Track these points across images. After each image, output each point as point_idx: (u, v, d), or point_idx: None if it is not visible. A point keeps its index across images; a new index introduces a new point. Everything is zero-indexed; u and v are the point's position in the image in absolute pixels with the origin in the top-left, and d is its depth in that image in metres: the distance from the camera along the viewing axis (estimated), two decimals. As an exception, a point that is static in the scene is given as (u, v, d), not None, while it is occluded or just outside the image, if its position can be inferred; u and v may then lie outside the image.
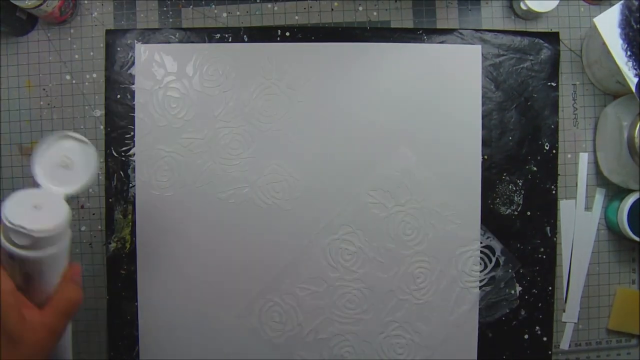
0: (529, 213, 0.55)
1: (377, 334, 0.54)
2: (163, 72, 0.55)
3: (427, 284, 0.54)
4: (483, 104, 0.55)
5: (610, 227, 0.56)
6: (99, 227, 0.56)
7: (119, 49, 0.55)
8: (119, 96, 0.55)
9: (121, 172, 0.55)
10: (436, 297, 0.54)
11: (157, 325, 0.55)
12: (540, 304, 0.55)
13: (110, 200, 0.55)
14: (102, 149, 0.55)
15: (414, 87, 0.55)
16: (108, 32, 0.55)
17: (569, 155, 0.56)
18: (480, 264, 0.55)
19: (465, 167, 0.55)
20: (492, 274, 0.55)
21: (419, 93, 0.55)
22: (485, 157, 0.55)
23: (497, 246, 0.55)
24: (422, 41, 0.55)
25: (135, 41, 0.55)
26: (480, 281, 0.55)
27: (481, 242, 0.55)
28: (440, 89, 0.55)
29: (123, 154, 0.55)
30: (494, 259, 0.55)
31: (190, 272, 0.55)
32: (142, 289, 0.55)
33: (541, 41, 0.55)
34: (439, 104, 0.55)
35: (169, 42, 0.55)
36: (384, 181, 0.55)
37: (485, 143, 0.55)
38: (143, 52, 0.55)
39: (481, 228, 0.55)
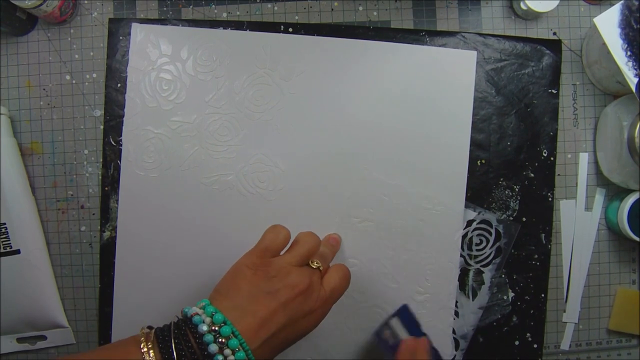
0: (524, 219, 0.55)
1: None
2: (157, 53, 0.55)
3: (439, 279, 0.54)
4: (483, 108, 0.55)
5: (610, 227, 0.56)
6: (99, 227, 0.56)
7: (120, 37, 0.55)
8: (119, 85, 0.55)
9: (118, 161, 0.55)
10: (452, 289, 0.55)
11: (132, 308, 0.55)
12: (532, 311, 0.55)
13: (106, 188, 0.55)
14: (100, 138, 0.56)
15: (409, 88, 0.55)
16: (111, 20, 0.56)
17: (569, 156, 0.56)
18: (481, 241, 0.55)
19: (452, 166, 0.55)
20: (497, 244, 0.55)
21: (412, 94, 0.55)
22: (483, 161, 0.55)
23: (492, 217, 0.55)
24: (424, 43, 0.55)
25: (132, 21, 0.55)
26: (488, 256, 0.55)
27: (475, 219, 0.55)
28: (434, 91, 0.55)
29: (120, 142, 0.55)
30: (493, 231, 0.55)
31: (168, 253, 0.55)
32: (120, 263, 0.55)
33: (543, 48, 0.55)
34: (432, 106, 0.55)
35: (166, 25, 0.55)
36: (368, 188, 0.54)
37: (483, 147, 0.55)
38: (139, 32, 0.55)
39: (470, 206, 0.54)
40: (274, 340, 0.38)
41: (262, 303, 0.38)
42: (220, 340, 0.35)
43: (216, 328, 0.36)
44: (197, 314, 0.37)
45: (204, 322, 0.36)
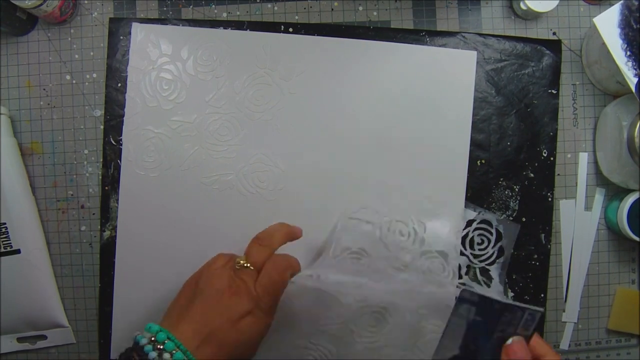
0: (524, 219, 0.55)
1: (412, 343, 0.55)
2: (158, 53, 0.55)
3: (448, 275, 0.54)
4: (483, 108, 0.55)
5: (610, 227, 0.56)
6: (99, 227, 0.56)
7: (121, 37, 0.55)
8: (119, 84, 0.55)
9: (118, 161, 0.55)
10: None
11: (132, 307, 0.55)
12: (531, 311, 0.55)
13: (106, 188, 0.55)
14: (100, 138, 0.56)
15: (409, 88, 0.55)
16: (111, 20, 0.56)
17: (569, 155, 0.56)
18: (482, 241, 0.55)
19: (452, 166, 0.55)
20: (499, 244, 0.55)
21: (412, 94, 0.55)
22: (483, 161, 0.55)
23: (492, 217, 0.55)
24: (424, 43, 0.55)
25: (132, 21, 0.55)
26: (491, 255, 0.54)
27: (475, 219, 0.55)
28: (434, 91, 0.55)
29: (121, 142, 0.55)
30: (493, 231, 0.55)
31: (168, 253, 0.55)
32: (120, 263, 0.55)
33: (543, 48, 0.55)
34: (432, 106, 0.55)
35: (166, 24, 0.55)
36: (368, 188, 0.54)
37: (483, 147, 0.55)
38: (139, 31, 0.55)
39: (470, 206, 0.55)
40: (214, 340, 0.40)
41: (193, 308, 0.42)
42: (158, 347, 0.39)
43: (154, 338, 0.39)
44: (139, 334, 0.40)
45: (144, 337, 0.40)
